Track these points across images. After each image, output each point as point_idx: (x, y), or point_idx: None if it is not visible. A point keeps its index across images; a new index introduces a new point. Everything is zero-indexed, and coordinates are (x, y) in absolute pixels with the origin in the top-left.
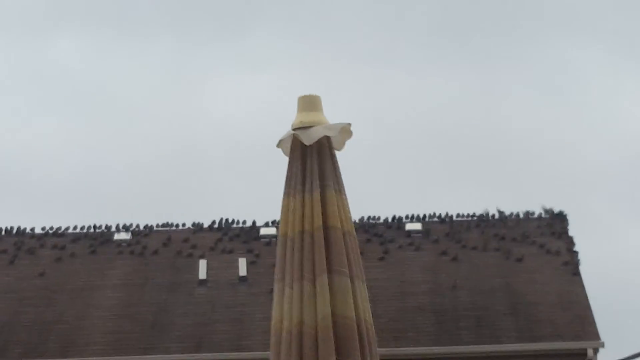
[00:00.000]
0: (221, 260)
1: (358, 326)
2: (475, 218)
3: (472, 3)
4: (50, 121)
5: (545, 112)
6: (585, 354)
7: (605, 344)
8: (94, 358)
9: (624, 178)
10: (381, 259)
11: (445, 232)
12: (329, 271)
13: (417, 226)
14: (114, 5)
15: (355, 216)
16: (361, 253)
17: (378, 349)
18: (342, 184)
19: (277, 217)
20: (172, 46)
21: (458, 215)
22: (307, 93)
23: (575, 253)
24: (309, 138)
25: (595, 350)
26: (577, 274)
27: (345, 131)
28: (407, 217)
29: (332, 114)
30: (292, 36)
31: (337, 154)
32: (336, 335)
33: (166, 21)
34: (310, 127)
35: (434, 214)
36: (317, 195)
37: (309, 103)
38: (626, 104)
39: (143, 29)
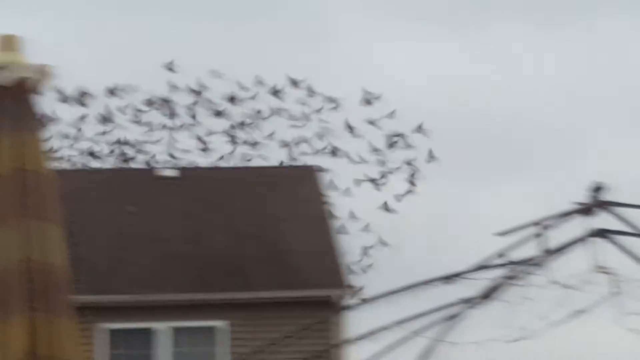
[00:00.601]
0: None
1: (50, 270)
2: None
3: None
4: None
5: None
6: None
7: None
8: None
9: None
10: (134, 206)
11: (201, 178)
12: (23, 216)
13: (172, 172)
14: None
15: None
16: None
17: (129, 295)
18: (39, 127)
19: None
20: None
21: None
22: (4, 32)
23: (328, 203)
24: (4, 79)
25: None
26: (328, 222)
27: (45, 73)
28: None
29: None
30: None
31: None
32: (28, 281)
33: None
34: (6, 67)
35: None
36: (11, 137)
37: (8, 42)
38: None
39: None
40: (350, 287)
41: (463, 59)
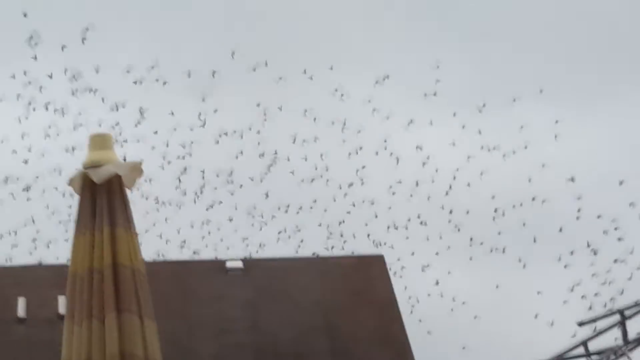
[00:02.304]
0: (40, 298)
1: None
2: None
3: None
4: None
5: None
6: None
7: None
8: None
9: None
10: (200, 295)
11: (267, 270)
12: (118, 309)
13: (238, 264)
14: None
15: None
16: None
17: None
18: (133, 222)
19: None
20: None
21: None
22: (99, 132)
23: (392, 292)
24: (99, 176)
25: None
26: (395, 310)
27: (136, 169)
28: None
29: None
30: None
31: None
32: None
33: None
34: (100, 165)
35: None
36: (106, 233)
37: (100, 141)
38: None
39: None
40: None
41: None
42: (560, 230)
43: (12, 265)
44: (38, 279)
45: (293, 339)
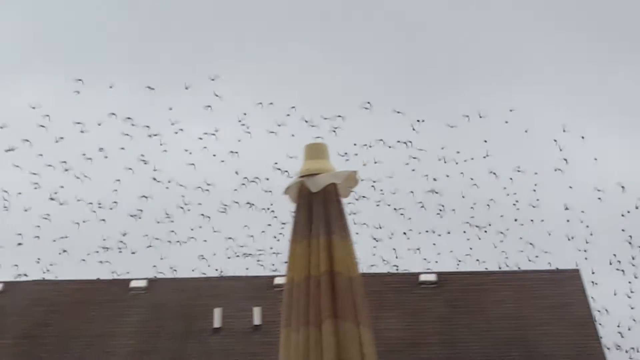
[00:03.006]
0: (235, 309)
1: None
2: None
3: None
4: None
5: None
6: None
7: None
8: None
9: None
10: (394, 309)
11: (460, 283)
12: (335, 316)
13: (432, 277)
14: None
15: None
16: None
17: None
18: (348, 230)
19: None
20: (133, 92)
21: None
22: (314, 142)
23: (588, 305)
24: (315, 185)
25: None
26: (591, 326)
27: (351, 179)
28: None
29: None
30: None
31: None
32: None
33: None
34: (316, 174)
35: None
36: (323, 240)
37: (316, 151)
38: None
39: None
40: None
41: None
42: None
43: (209, 277)
44: (234, 291)
45: (487, 353)
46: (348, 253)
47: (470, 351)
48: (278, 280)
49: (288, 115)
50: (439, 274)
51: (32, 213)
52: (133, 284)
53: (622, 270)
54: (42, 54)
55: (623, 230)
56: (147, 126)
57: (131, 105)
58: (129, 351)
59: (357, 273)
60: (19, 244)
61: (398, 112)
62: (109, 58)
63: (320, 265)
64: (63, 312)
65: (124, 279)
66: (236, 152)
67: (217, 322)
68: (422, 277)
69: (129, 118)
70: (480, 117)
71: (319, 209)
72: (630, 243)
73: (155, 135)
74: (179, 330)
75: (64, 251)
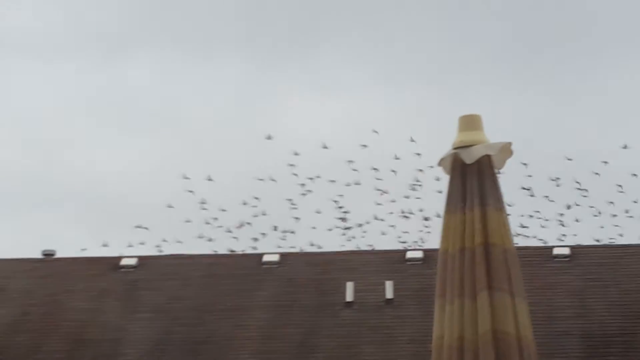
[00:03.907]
0: (367, 283)
1: (518, 342)
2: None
3: None
4: (131, 146)
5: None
6: None
7: None
8: None
9: None
10: (527, 283)
11: (594, 256)
12: (489, 288)
13: (565, 250)
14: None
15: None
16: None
17: None
18: (503, 202)
19: (422, 241)
20: (241, 68)
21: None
22: (468, 112)
23: None
24: (469, 156)
25: None
26: None
27: (506, 150)
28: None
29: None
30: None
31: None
32: (496, 351)
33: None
34: (470, 145)
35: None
36: (477, 212)
37: (470, 122)
38: None
39: (213, 51)
40: None
41: None
42: None
43: (341, 251)
44: (367, 264)
45: (621, 326)
46: (502, 225)
47: (605, 324)
48: (410, 254)
49: None
50: (572, 247)
51: (162, 190)
52: (265, 258)
53: None
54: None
55: None
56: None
57: None
58: (262, 325)
59: (512, 244)
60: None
61: None
62: None
63: (475, 237)
64: (197, 286)
65: (256, 254)
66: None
67: (349, 296)
68: (556, 251)
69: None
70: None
71: (473, 180)
72: None
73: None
74: (312, 304)
75: (195, 226)
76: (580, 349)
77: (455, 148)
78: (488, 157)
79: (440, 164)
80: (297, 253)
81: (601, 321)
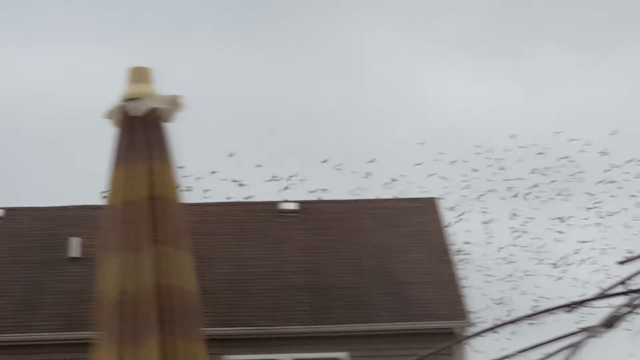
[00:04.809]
0: (93, 237)
1: (181, 295)
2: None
3: None
4: None
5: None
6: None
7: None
8: None
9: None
10: (256, 238)
11: (321, 212)
12: (154, 242)
13: (293, 205)
14: None
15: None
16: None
17: (254, 328)
18: (170, 155)
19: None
20: None
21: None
22: (138, 65)
23: (447, 234)
24: (136, 109)
25: (461, 328)
26: (449, 254)
27: (175, 103)
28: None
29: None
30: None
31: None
32: (159, 305)
33: None
34: (139, 98)
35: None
36: (142, 165)
37: (139, 74)
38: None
39: None
40: (470, 317)
41: None
42: None
43: (69, 205)
44: (96, 220)
45: (350, 280)
46: (169, 178)
47: (333, 278)
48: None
49: None
50: (301, 202)
51: None
52: None
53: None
54: None
55: None
56: None
57: None
58: None
59: (178, 198)
60: None
61: None
62: None
63: (140, 190)
64: None
65: None
66: None
67: (74, 252)
68: (283, 206)
69: None
70: None
71: (139, 133)
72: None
73: None
74: (36, 260)
75: None
76: (307, 302)
77: (123, 100)
78: (156, 110)
79: (107, 116)
80: (23, 208)
81: (329, 275)
